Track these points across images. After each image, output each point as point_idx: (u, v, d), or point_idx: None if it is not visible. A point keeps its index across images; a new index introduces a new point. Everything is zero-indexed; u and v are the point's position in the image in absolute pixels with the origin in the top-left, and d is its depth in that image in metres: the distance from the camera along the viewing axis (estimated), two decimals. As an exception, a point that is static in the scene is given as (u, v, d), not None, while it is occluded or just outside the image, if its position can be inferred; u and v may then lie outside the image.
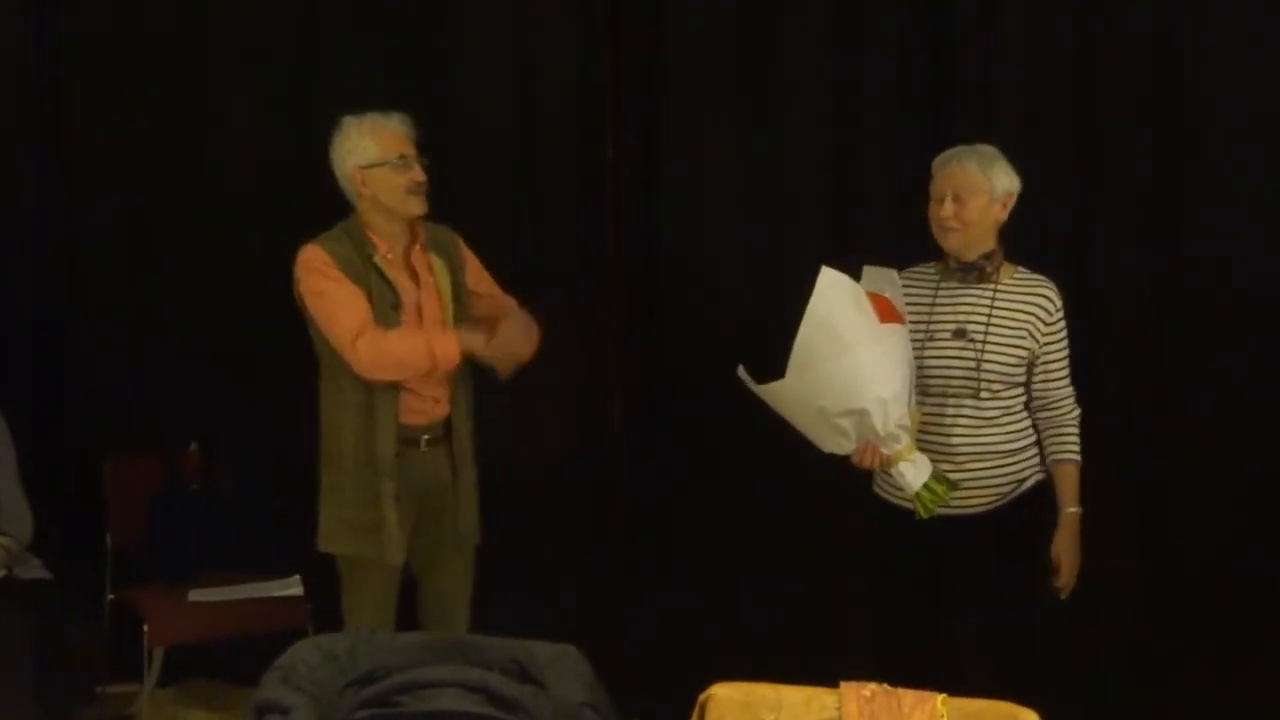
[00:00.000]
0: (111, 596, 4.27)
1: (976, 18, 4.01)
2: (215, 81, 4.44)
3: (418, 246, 3.64)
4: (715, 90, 4.22)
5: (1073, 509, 3.43)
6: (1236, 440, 3.95)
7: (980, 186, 3.36)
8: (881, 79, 4.11)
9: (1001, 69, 4.01)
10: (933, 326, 3.41)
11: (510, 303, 3.77)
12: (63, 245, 4.50)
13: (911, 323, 3.40)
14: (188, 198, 4.48)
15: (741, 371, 3.41)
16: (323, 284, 3.51)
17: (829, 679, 2.51)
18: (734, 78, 4.21)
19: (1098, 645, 4.07)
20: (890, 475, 3.36)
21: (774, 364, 4.14)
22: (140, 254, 4.50)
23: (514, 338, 3.58)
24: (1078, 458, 3.43)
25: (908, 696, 2.46)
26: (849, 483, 4.10)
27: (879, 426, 3.25)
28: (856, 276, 3.43)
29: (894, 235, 4.09)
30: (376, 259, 3.55)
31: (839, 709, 2.44)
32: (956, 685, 2.54)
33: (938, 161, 3.43)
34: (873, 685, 2.48)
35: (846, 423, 3.28)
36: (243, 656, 3.99)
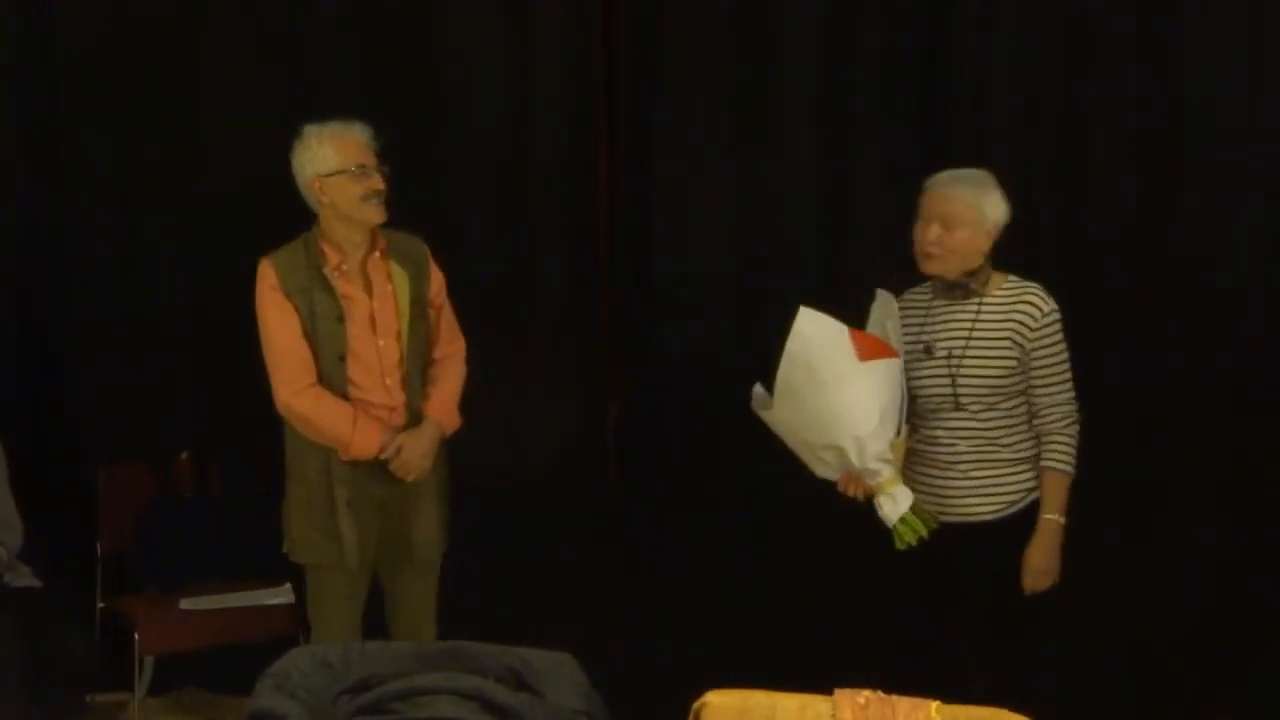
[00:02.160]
0: (102, 605, 4.26)
1: (969, 21, 4.02)
2: (207, 90, 4.44)
3: (376, 254, 3.64)
4: (709, 97, 4.22)
5: (1050, 516, 3.39)
6: (1227, 446, 3.96)
7: (969, 217, 3.35)
8: (875, 84, 4.12)
9: (993, 71, 4.02)
10: (917, 346, 3.44)
11: (448, 332, 3.77)
12: (54, 254, 4.48)
13: (908, 343, 3.43)
14: (179, 207, 4.47)
15: (756, 391, 3.46)
16: (266, 311, 3.59)
17: (824, 686, 2.51)
18: (728, 84, 4.21)
19: (1094, 656, 4.07)
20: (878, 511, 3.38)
21: (768, 374, 4.18)
22: (132, 262, 4.49)
23: (413, 458, 3.59)
24: (1065, 467, 3.39)
25: (902, 704, 2.47)
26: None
27: (855, 461, 3.32)
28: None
29: (888, 243, 4.07)
30: (326, 271, 3.57)
31: (834, 716, 2.45)
32: (953, 692, 2.54)
33: (930, 182, 3.42)
34: (867, 692, 2.49)
35: (828, 455, 3.36)
36: (234, 665, 3.98)
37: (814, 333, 3.27)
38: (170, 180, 4.47)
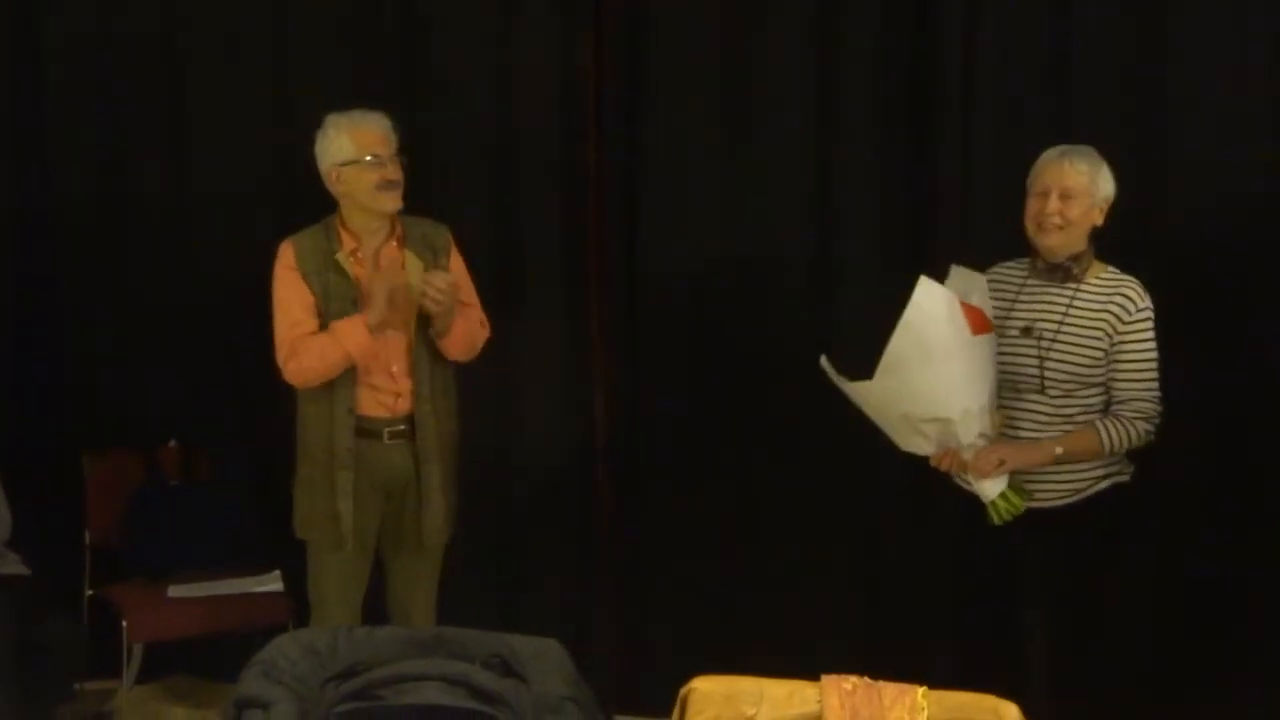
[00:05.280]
0: (90, 592, 4.25)
1: (956, 12, 4.01)
2: (195, 78, 4.43)
3: (393, 242, 3.67)
4: (698, 89, 4.21)
5: (1054, 444, 3.32)
6: (1225, 438, 3.95)
7: (1086, 188, 3.35)
8: (864, 81, 4.10)
9: (980, 62, 4.00)
10: (1009, 322, 3.41)
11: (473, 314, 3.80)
12: (42, 242, 4.47)
13: (1000, 319, 3.41)
14: (166, 196, 4.46)
15: (824, 362, 3.42)
16: (280, 287, 3.64)
17: (812, 673, 2.52)
18: (717, 78, 4.20)
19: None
20: (968, 481, 3.36)
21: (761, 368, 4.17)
22: (119, 251, 4.48)
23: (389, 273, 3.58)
24: (1105, 437, 3.30)
25: (889, 689, 2.48)
26: (833, 478, 4.15)
27: (962, 436, 3.28)
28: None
29: (876, 237, 4.11)
30: (340, 256, 3.61)
31: (820, 702, 2.45)
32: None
33: (1045, 157, 3.40)
34: (854, 678, 2.50)
35: (930, 428, 3.31)
36: (222, 652, 3.99)
37: (931, 305, 3.21)
38: (158, 169, 4.46)
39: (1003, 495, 3.32)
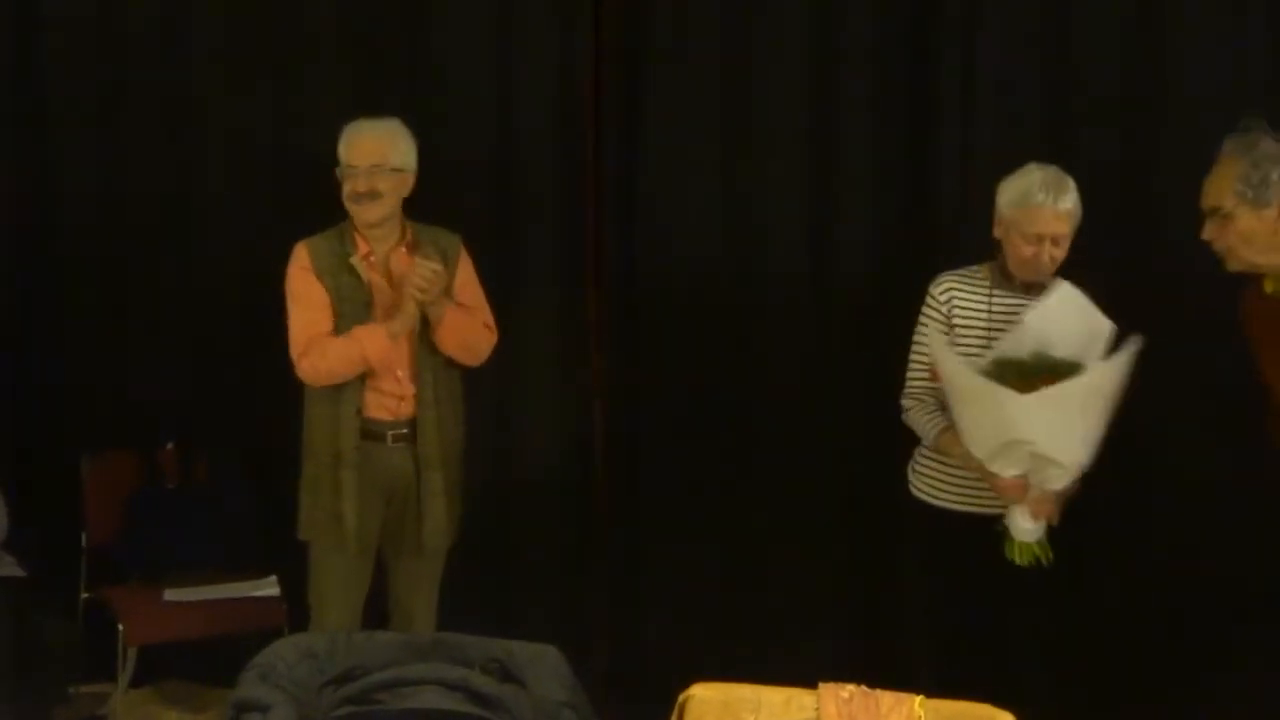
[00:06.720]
0: (86, 595, 4.24)
1: (956, 28, 4.03)
2: (197, 82, 4.43)
3: (402, 248, 3.69)
4: (697, 91, 4.22)
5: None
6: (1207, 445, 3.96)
7: (1072, 226, 3.34)
8: (863, 84, 4.12)
9: (979, 61, 4.02)
10: (992, 334, 3.37)
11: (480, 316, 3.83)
12: (41, 242, 4.47)
13: (970, 329, 3.39)
14: (165, 198, 4.46)
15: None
16: (294, 286, 3.68)
17: (809, 680, 2.52)
18: (716, 80, 4.22)
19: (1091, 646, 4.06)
20: (1008, 515, 3.32)
21: (753, 366, 4.17)
22: (118, 252, 4.48)
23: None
24: None
25: (885, 697, 2.48)
26: (829, 482, 4.15)
27: (1055, 483, 3.23)
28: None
29: (876, 236, 4.12)
30: (353, 259, 3.64)
31: (817, 709, 2.46)
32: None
33: (1030, 198, 3.31)
34: (851, 686, 2.50)
35: (1036, 463, 3.21)
36: (218, 657, 3.99)
37: (1119, 362, 3.17)
38: (157, 171, 4.46)
39: (1039, 542, 3.30)
